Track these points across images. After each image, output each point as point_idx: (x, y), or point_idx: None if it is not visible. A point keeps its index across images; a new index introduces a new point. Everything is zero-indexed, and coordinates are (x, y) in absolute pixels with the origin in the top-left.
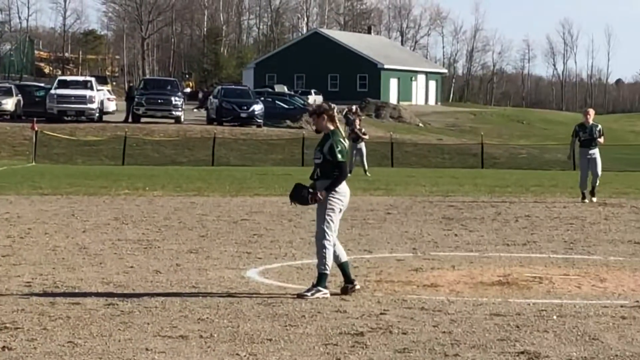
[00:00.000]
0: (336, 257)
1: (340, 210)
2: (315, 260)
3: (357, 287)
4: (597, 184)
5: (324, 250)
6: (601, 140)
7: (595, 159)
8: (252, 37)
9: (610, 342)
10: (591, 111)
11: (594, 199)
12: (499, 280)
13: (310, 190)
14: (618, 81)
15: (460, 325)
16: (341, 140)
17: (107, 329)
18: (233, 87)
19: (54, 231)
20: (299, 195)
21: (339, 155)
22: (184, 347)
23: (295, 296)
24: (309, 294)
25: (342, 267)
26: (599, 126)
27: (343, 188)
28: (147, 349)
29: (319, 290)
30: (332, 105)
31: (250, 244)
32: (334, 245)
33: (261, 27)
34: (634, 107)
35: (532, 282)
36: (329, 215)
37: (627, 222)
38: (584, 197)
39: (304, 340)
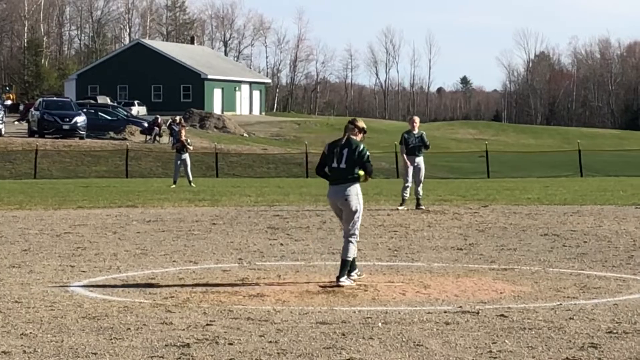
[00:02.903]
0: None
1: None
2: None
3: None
4: (421, 193)
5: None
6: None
7: (420, 166)
8: (74, 48)
9: (435, 348)
10: (417, 119)
11: (422, 207)
12: (324, 289)
13: None
14: (439, 89)
15: (286, 334)
16: None
17: None
18: (55, 99)
19: None
20: None
21: None
22: None
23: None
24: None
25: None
26: (424, 132)
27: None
28: None
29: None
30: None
31: (74, 257)
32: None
33: (83, 38)
34: (455, 115)
35: (357, 290)
36: None
37: (450, 229)
38: (403, 202)
39: (130, 353)
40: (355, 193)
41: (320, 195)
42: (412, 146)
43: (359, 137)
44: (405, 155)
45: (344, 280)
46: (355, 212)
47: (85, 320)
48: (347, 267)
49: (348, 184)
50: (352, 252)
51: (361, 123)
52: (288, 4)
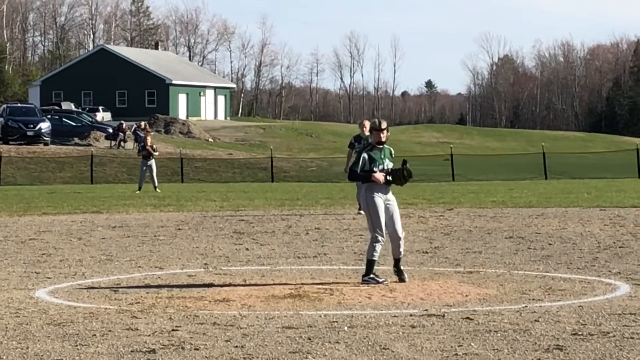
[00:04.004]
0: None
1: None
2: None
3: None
4: None
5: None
6: None
7: None
8: (38, 55)
9: (401, 351)
10: (367, 122)
11: None
12: (290, 293)
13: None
14: (404, 93)
15: (252, 339)
16: None
17: None
18: (19, 105)
19: None
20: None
21: None
22: None
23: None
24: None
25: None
26: None
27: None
28: None
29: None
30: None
31: (39, 263)
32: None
33: (46, 44)
34: (419, 119)
35: (323, 294)
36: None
37: (415, 232)
38: (360, 208)
39: (95, 359)
40: (363, 194)
41: (285, 200)
42: (360, 150)
43: (379, 137)
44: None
45: (367, 279)
46: (367, 211)
47: (51, 327)
48: (370, 266)
49: (362, 185)
50: (370, 252)
51: (370, 123)
52: (252, 9)
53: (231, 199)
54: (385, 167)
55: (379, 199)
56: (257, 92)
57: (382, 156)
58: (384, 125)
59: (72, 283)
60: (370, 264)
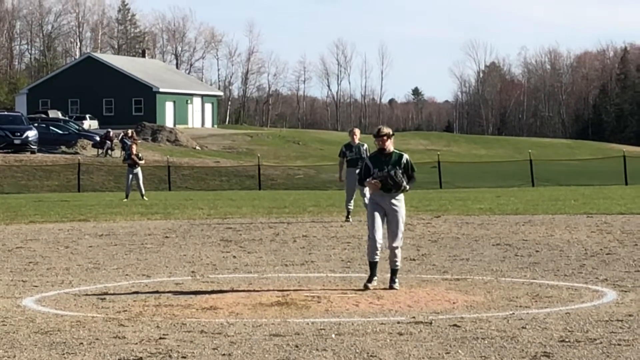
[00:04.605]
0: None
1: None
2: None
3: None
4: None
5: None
6: None
7: None
8: (25, 63)
9: (388, 359)
10: (357, 131)
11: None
12: (277, 301)
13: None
14: (391, 101)
15: (240, 347)
16: None
17: None
18: (5, 113)
19: None
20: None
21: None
22: None
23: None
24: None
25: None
26: (365, 145)
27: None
28: None
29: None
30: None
31: (26, 272)
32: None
33: (33, 52)
34: (407, 126)
35: (311, 302)
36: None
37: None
38: (348, 215)
39: None
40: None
41: (273, 207)
42: (350, 159)
43: (378, 143)
44: (343, 169)
45: (367, 284)
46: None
47: (38, 335)
48: (370, 267)
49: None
50: (367, 254)
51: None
52: (239, 17)
53: (218, 207)
54: (386, 173)
55: (377, 205)
56: (245, 100)
57: (387, 162)
58: (382, 131)
59: (59, 291)
60: (369, 265)
